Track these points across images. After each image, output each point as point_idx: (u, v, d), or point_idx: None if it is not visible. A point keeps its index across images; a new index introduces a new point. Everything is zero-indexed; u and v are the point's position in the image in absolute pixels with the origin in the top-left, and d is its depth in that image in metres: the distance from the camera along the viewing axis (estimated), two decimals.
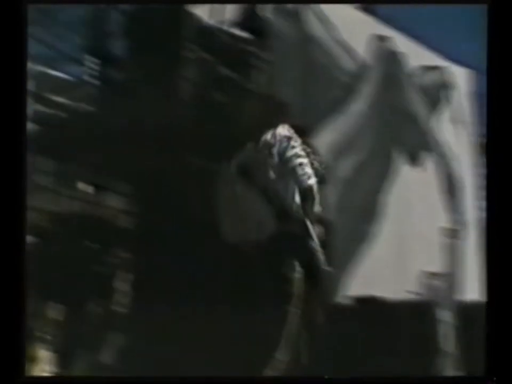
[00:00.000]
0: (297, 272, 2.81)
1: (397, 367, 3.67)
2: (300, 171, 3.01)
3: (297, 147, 3.11)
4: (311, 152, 3.24)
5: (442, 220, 11.23)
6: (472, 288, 11.91)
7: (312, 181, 3.04)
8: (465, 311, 4.80)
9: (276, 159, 3.05)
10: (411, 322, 3.75)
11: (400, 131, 8.76)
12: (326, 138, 6.69)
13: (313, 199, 3.00)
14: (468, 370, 4.54)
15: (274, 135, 3.12)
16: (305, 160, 3.05)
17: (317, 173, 3.19)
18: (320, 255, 3.01)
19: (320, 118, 6.66)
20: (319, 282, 2.89)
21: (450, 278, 10.67)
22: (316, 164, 3.18)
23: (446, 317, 6.73)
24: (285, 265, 2.84)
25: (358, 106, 7.32)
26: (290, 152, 3.03)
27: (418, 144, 9.89)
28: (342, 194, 6.73)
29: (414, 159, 9.32)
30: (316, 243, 2.97)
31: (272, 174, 3.05)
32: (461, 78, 13.54)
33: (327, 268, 2.91)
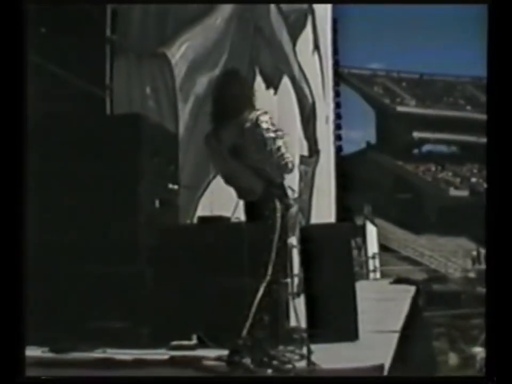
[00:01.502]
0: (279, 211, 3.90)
1: (237, 284, 3.83)
2: (278, 153, 3.94)
3: (274, 131, 3.98)
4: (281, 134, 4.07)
5: (297, 146, 11.68)
6: (321, 213, 12.66)
7: (290, 160, 4.00)
8: (312, 233, 5.03)
9: (260, 142, 3.93)
10: (257, 242, 3.89)
11: (258, 52, 8.83)
12: (183, 51, 6.63)
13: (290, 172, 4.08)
14: (312, 290, 4.80)
15: (257, 122, 3.97)
16: (281, 143, 3.96)
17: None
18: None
19: (178, 28, 6.58)
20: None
21: (300, 202, 11.21)
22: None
23: (293, 239, 7.06)
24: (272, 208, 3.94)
25: (215, 21, 7.28)
26: (270, 137, 3.93)
27: (277, 68, 10.09)
28: (199, 110, 6.76)
29: (271, 83, 9.48)
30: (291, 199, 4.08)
31: (257, 154, 3.96)
32: (322, 5, 13.87)
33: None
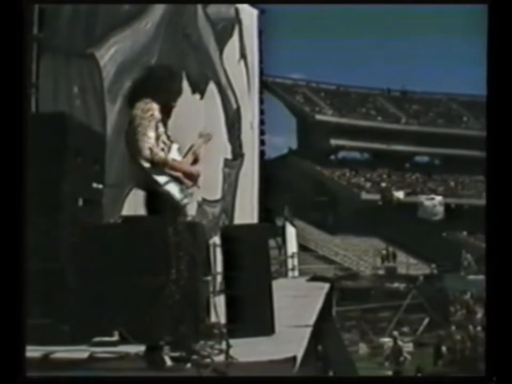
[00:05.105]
0: None
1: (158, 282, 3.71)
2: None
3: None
4: None
5: (222, 150, 11.60)
6: (244, 214, 12.62)
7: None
8: (232, 233, 4.98)
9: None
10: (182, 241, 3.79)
11: (185, 57, 8.70)
12: (112, 53, 6.45)
13: None
14: (232, 288, 4.74)
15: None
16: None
17: None
18: None
19: (108, 30, 6.38)
20: None
21: (224, 204, 11.15)
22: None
23: (216, 239, 6.99)
24: None
25: (145, 26, 7.12)
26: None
27: (203, 73, 9.98)
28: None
29: (197, 87, 9.37)
30: None
31: None
32: (249, 16, 13.85)
33: None
